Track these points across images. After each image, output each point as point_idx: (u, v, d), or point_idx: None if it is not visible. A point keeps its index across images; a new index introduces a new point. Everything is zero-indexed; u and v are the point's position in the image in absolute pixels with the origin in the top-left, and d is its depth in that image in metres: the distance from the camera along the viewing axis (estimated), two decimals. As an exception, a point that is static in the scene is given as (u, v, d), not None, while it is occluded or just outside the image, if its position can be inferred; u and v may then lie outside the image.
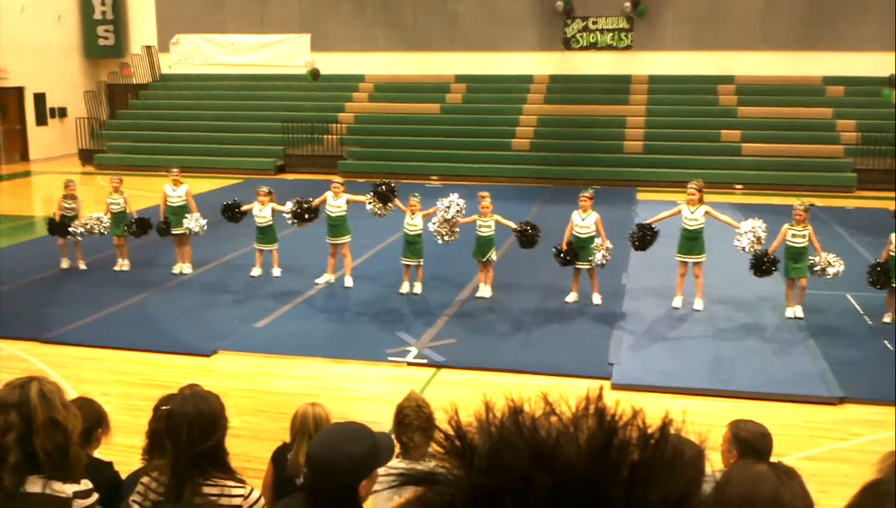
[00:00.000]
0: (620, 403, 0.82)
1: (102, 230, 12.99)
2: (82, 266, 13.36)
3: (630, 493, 0.75)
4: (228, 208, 12.79)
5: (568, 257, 11.36)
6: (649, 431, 0.79)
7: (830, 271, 10.70)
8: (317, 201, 12.36)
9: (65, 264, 13.39)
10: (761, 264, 10.95)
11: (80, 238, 13.05)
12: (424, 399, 4.65)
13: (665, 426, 0.79)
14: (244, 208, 12.74)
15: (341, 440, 2.83)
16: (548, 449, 0.77)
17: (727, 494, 2.05)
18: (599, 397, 0.81)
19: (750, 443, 4.02)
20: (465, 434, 0.81)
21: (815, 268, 10.76)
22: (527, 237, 11.56)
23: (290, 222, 12.39)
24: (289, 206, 12.39)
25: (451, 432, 0.82)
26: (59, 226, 13.14)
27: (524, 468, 0.76)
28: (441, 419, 0.87)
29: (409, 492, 0.82)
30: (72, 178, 13.81)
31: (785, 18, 25.72)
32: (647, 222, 11.56)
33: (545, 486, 0.75)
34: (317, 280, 12.47)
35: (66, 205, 13.19)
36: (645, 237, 11.43)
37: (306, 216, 12.30)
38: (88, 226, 12.93)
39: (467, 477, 0.78)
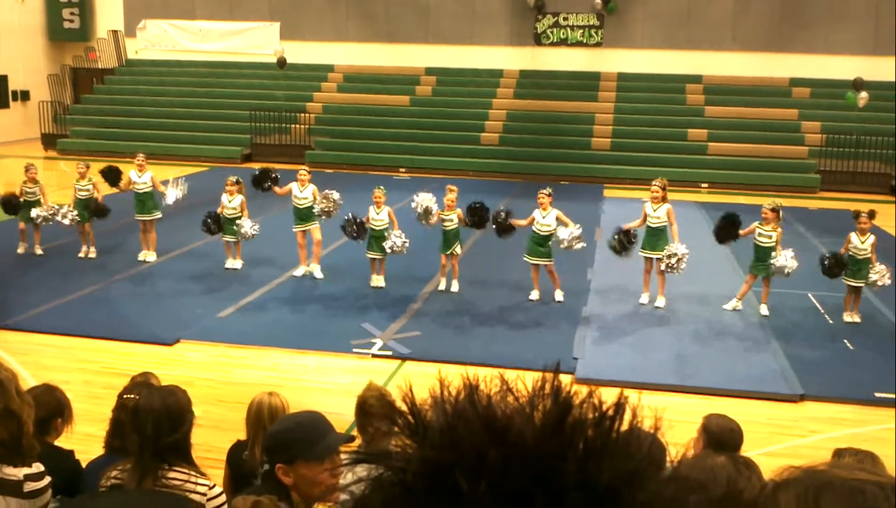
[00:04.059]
0: (577, 386, 0.82)
1: (71, 219, 12.82)
2: (38, 251, 13.17)
3: (582, 468, 0.75)
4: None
5: (506, 228, 11.46)
6: (604, 408, 0.79)
7: (776, 263, 10.79)
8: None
9: (21, 248, 13.19)
10: (728, 229, 11.20)
11: (41, 222, 12.87)
12: (385, 389, 4.64)
13: (620, 404, 0.79)
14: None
15: (277, 422, 2.83)
16: (501, 424, 0.77)
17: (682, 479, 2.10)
18: (556, 376, 0.81)
19: (716, 435, 4.12)
20: (419, 411, 0.81)
21: (770, 262, 10.86)
22: (477, 216, 11.60)
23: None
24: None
25: (405, 409, 0.81)
26: (11, 204, 12.94)
27: (476, 442, 0.76)
28: (397, 398, 0.86)
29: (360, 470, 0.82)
30: (33, 162, 13.59)
31: (754, 20, 25.99)
32: (625, 227, 11.57)
33: (496, 460, 0.75)
34: (294, 273, 12.40)
35: (28, 190, 13.00)
36: (625, 242, 11.46)
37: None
38: (52, 213, 12.77)
39: (420, 452, 0.78)
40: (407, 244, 11.60)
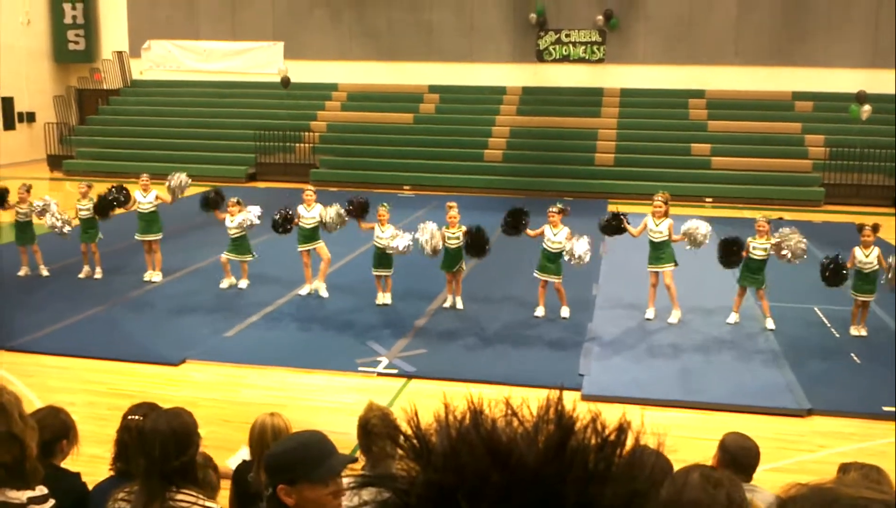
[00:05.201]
0: (580, 408, 0.82)
1: (62, 228, 12.86)
2: (44, 272, 13.19)
3: (583, 492, 0.75)
4: (209, 200, 12.74)
5: (520, 224, 11.49)
6: (607, 433, 0.79)
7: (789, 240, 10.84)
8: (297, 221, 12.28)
9: (22, 271, 13.21)
10: (729, 253, 11.22)
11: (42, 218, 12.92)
12: (388, 408, 4.63)
13: (622, 428, 0.80)
14: (220, 215, 12.67)
15: (279, 441, 2.83)
16: (504, 448, 0.78)
17: (682, 502, 2.14)
18: (559, 400, 0.82)
19: (730, 452, 4.24)
20: (424, 435, 0.82)
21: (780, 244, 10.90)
22: (475, 243, 11.57)
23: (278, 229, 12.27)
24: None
25: (409, 432, 0.82)
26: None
27: (479, 466, 0.77)
28: (402, 422, 0.87)
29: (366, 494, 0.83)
30: (28, 183, 13.63)
31: (756, 34, 26.05)
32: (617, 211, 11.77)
33: (499, 483, 0.76)
34: (300, 292, 12.41)
35: (20, 210, 13.04)
36: (611, 224, 11.60)
37: (285, 228, 12.23)
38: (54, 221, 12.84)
39: (423, 476, 0.79)
40: (410, 246, 11.62)
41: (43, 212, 12.90)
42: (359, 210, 12.00)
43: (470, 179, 23.81)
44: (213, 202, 12.70)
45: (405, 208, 19.07)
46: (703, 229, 11.26)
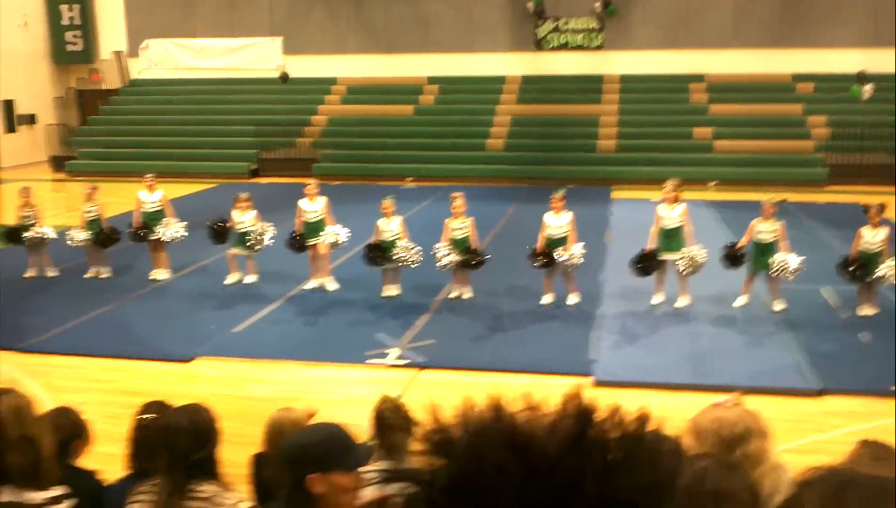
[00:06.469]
0: (600, 399, 0.84)
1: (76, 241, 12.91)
2: (51, 273, 13.22)
3: (602, 483, 0.77)
4: (217, 231, 12.77)
5: (544, 260, 11.33)
6: (626, 423, 0.81)
7: (788, 270, 10.83)
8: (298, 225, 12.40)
9: (29, 272, 13.22)
10: (732, 257, 11.29)
11: (35, 243, 12.95)
12: (400, 401, 4.65)
13: (642, 420, 0.82)
14: (227, 224, 12.70)
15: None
16: (523, 440, 0.80)
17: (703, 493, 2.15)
18: (579, 394, 0.84)
19: None
20: (445, 428, 0.84)
21: (772, 270, 10.88)
22: (473, 264, 11.56)
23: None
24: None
25: (432, 426, 0.84)
26: (13, 233, 13.02)
27: (499, 456, 0.79)
28: (422, 417, 0.89)
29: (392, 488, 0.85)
30: (27, 185, 13.65)
31: (755, 16, 25.99)
32: (647, 249, 11.43)
33: (518, 473, 0.78)
34: (306, 286, 12.43)
35: (24, 214, 13.05)
36: (648, 265, 11.43)
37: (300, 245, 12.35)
38: (43, 234, 12.93)
39: (445, 467, 0.81)
40: (418, 257, 11.61)
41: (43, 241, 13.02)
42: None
43: (472, 170, 23.81)
44: (220, 233, 12.74)
45: (408, 200, 19.08)
46: (702, 255, 11.20)
